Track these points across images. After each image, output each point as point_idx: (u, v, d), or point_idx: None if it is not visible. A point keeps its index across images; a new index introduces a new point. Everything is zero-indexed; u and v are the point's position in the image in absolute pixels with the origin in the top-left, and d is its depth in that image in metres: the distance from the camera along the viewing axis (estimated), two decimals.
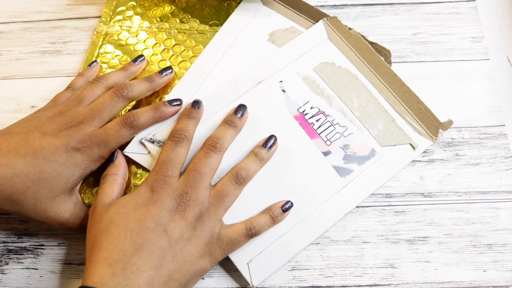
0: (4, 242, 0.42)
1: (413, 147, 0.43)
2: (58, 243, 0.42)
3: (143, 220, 0.35)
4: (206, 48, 0.47)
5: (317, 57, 0.46)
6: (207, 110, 0.43)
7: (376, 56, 0.45)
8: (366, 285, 0.40)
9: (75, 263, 0.41)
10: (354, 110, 0.44)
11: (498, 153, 0.43)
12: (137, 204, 0.36)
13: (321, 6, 0.50)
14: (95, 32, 0.49)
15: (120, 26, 0.49)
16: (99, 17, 0.50)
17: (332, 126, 0.43)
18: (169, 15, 0.49)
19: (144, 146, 0.42)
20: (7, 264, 0.42)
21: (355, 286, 0.40)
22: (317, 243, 0.41)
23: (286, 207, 0.39)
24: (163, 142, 0.42)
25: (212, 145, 0.39)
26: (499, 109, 0.45)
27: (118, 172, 0.40)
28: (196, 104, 0.42)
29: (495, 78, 0.46)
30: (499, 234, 0.41)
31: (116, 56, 0.48)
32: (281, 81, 0.45)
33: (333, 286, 0.40)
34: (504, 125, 0.44)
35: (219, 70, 0.46)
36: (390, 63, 0.46)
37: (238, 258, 0.39)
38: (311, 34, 0.47)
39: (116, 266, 0.33)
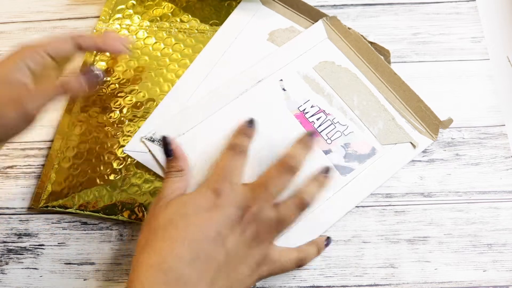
0: (4, 242, 0.42)
1: (414, 146, 0.43)
2: (58, 243, 0.42)
3: (204, 228, 0.33)
4: (206, 47, 0.47)
5: (317, 56, 0.46)
6: (207, 109, 0.43)
7: (375, 55, 0.45)
8: (366, 285, 0.40)
9: (75, 263, 0.41)
10: (354, 108, 0.44)
11: (498, 153, 0.43)
12: (199, 207, 0.34)
13: (321, 6, 0.50)
14: (94, 31, 0.49)
15: (120, 25, 0.49)
16: (99, 17, 0.50)
17: (332, 124, 0.43)
18: (169, 14, 0.49)
19: (144, 145, 0.42)
20: (7, 264, 0.42)
21: (355, 286, 0.40)
22: None
23: (327, 243, 0.39)
24: None
25: (288, 167, 0.36)
26: (499, 109, 0.45)
27: (183, 167, 0.38)
28: (250, 123, 0.39)
29: (495, 78, 0.46)
30: (499, 234, 0.41)
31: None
32: (281, 80, 0.45)
33: (333, 286, 0.40)
34: (504, 125, 0.44)
35: (219, 69, 0.46)
36: (389, 62, 0.46)
37: None
38: (311, 33, 0.47)
39: (170, 274, 0.31)
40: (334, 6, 0.50)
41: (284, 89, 0.44)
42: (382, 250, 0.41)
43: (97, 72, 0.43)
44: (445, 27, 0.48)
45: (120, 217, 0.41)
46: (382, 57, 0.45)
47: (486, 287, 0.39)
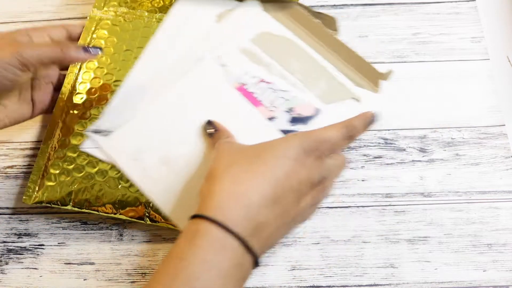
0: (4, 242, 0.42)
1: (357, 100, 0.43)
2: (58, 243, 0.42)
3: (290, 175, 0.33)
4: (153, 38, 0.46)
5: (254, 29, 0.46)
6: (151, 93, 0.44)
7: (312, 21, 0.46)
8: (366, 285, 0.40)
9: (75, 263, 0.41)
10: (294, 73, 0.44)
11: (498, 153, 0.43)
12: (287, 153, 0.33)
13: (321, 6, 0.50)
14: (88, 18, 0.48)
15: (115, 12, 0.49)
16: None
17: (274, 92, 0.44)
18: (169, 7, 0.48)
19: (93, 139, 0.42)
20: (7, 264, 0.42)
21: (355, 286, 0.40)
22: (317, 243, 0.41)
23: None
24: (108, 132, 0.42)
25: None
26: (499, 109, 0.45)
27: (230, 135, 0.40)
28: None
29: (495, 78, 0.46)
30: (499, 234, 0.41)
31: (109, 41, 0.47)
32: (220, 56, 0.45)
33: (333, 286, 0.40)
34: (504, 125, 0.44)
35: (166, 55, 0.46)
36: (336, 29, 0.46)
37: None
38: (246, 8, 0.47)
39: (250, 209, 0.31)
40: (334, 6, 0.50)
41: (223, 65, 0.45)
42: (382, 250, 0.41)
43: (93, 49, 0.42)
44: (445, 27, 0.48)
45: (120, 216, 0.41)
46: (330, 26, 0.46)
47: (486, 287, 0.39)
